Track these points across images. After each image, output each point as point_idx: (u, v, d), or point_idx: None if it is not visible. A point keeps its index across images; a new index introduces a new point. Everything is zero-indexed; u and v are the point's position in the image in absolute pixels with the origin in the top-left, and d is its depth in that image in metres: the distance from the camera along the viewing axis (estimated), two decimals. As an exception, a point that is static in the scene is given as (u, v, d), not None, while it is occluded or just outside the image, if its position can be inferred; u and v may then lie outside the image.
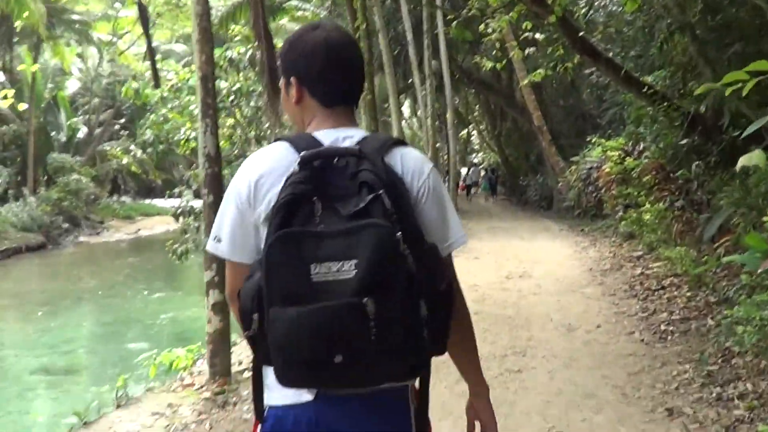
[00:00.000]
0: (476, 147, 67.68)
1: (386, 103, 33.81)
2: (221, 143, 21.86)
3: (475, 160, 64.61)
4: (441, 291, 2.50)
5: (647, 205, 15.16)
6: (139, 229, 47.08)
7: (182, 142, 22.91)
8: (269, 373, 2.55)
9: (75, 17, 47.20)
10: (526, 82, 18.69)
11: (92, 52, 54.26)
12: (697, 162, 13.27)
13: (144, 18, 42.38)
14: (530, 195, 38.10)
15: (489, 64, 18.51)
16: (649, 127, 17.27)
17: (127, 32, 53.01)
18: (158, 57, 46.97)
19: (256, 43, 15.15)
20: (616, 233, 20.89)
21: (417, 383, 2.69)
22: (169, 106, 23.40)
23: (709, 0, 12.72)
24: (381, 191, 2.40)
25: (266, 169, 2.61)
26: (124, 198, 58.13)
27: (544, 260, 17.78)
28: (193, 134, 22.07)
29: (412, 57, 25.86)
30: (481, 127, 54.60)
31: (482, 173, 52.48)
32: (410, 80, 31.92)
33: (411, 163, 2.68)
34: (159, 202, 53.05)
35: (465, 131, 60.66)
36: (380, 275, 2.29)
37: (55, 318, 20.73)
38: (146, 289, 25.05)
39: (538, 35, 17.66)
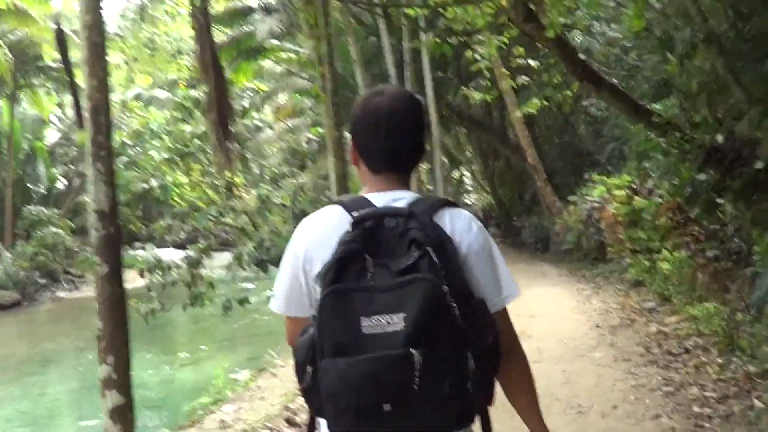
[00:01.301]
0: (469, 188, 65.58)
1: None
2: (192, 191, 20.13)
3: (469, 202, 63.43)
4: (488, 345, 2.63)
5: (665, 252, 12.84)
6: (119, 283, 44.34)
7: (146, 191, 20.90)
8: (323, 426, 2.70)
9: (51, 64, 45.16)
10: (518, 114, 16.54)
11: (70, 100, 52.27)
12: (729, 202, 10.96)
13: (62, 44, 40.01)
14: (525, 237, 35.83)
15: (477, 96, 16.38)
16: (660, 161, 15.10)
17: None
18: (141, 104, 45.08)
19: (202, 75, 13.04)
20: (621, 280, 18.70)
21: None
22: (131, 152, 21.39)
23: (741, 5, 10.49)
24: (428, 248, 2.54)
25: (320, 233, 2.80)
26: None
27: (543, 314, 15.51)
28: (154, 182, 20.26)
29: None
30: (473, 167, 52.59)
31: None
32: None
33: (459, 222, 2.82)
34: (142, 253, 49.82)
35: (457, 172, 58.63)
36: (427, 327, 2.41)
37: (18, 386, 19.02)
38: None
39: (531, 61, 15.48)
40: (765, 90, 9.83)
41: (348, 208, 2.77)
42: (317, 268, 2.71)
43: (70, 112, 52.33)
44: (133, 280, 24.92)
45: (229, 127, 12.12)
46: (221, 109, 12.19)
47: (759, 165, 12.25)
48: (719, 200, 12.30)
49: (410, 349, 2.37)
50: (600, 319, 14.50)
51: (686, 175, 13.52)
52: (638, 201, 15.03)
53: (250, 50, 35.69)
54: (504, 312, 2.92)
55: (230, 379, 14.51)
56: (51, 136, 53.11)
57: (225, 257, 20.09)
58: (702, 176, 13.13)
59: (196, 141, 19.21)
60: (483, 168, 43.91)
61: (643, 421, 8.28)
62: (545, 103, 16.21)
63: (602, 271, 21.33)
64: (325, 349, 2.49)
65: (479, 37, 15.36)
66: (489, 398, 2.72)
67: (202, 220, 18.89)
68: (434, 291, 2.45)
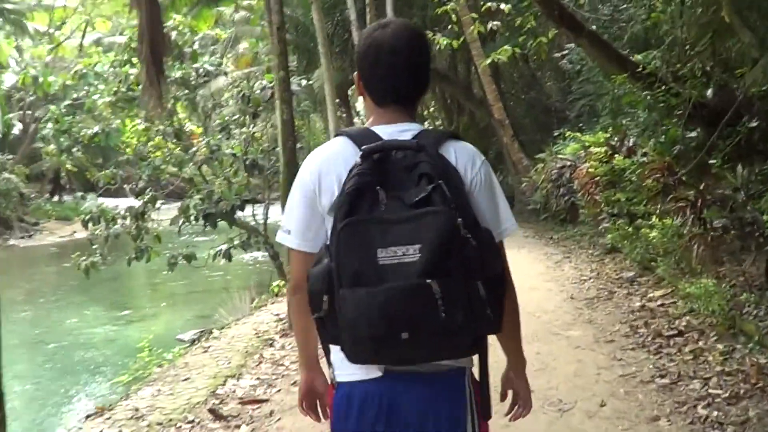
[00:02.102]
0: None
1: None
2: (137, 137, 18.44)
3: None
4: (497, 274, 2.71)
5: (654, 219, 11.20)
6: (74, 232, 42.46)
7: (89, 136, 19.23)
8: (336, 352, 2.81)
9: (8, 6, 42.92)
10: (488, 61, 14.78)
11: (29, 44, 50.05)
12: (744, 166, 9.39)
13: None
14: (490, 194, 33.82)
15: (443, 42, 14.61)
16: (639, 117, 13.50)
17: (64, 23, 48.97)
18: (99, 49, 43.02)
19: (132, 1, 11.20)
20: (594, 244, 17.17)
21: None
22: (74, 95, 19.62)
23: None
24: (440, 181, 2.59)
25: (329, 162, 2.83)
26: (66, 198, 53.79)
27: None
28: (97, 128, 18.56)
29: (356, 40, 21.95)
30: (437, 123, 50.91)
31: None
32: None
33: (464, 155, 2.87)
34: (106, 201, 47.95)
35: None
36: (443, 258, 2.49)
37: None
38: (62, 303, 21.80)
39: (502, 5, 13.73)
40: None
41: (355, 139, 2.82)
42: (328, 199, 2.78)
43: (27, 55, 50.28)
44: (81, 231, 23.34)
45: (163, 65, 10.27)
46: (154, 42, 10.42)
47: (753, 123, 10.80)
48: (712, 161, 10.72)
49: (427, 280, 2.45)
50: (574, 289, 12.99)
51: (674, 132, 12.00)
52: (619, 160, 13.40)
53: (211, -2, 34.06)
54: (501, 244, 2.93)
55: (175, 341, 14.22)
56: (8, 80, 50.86)
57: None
58: (692, 134, 11.57)
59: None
60: (447, 123, 42.21)
61: (638, 424, 6.77)
62: (517, 50, 14.40)
63: (573, 233, 19.91)
64: (343, 279, 2.54)
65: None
66: (498, 326, 2.76)
67: (146, 168, 17.19)
68: (449, 223, 2.52)
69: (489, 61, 14.72)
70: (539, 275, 14.62)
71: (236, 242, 16.85)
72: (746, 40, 8.46)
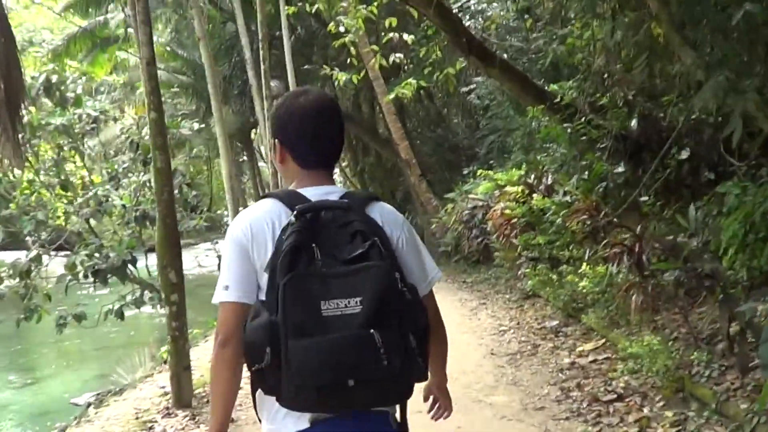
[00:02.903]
0: (339, 185, 62.97)
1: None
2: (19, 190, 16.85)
3: None
4: (423, 326, 2.81)
5: (584, 267, 9.93)
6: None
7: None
8: (268, 407, 2.87)
9: None
10: (391, 96, 13.51)
11: None
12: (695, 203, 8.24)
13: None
14: (398, 236, 32.54)
15: (342, 77, 13.31)
16: (562, 151, 12.36)
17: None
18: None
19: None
20: (510, 288, 15.93)
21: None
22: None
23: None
24: (375, 238, 2.76)
25: (260, 220, 2.91)
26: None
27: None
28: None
29: (252, 82, 20.63)
30: (343, 164, 49.70)
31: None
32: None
33: (388, 215, 3.04)
34: (9, 256, 45.37)
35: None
36: (381, 309, 2.62)
37: None
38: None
39: (405, 36, 12.48)
40: (730, 49, 7.00)
41: (284, 200, 2.93)
42: (262, 256, 2.85)
43: None
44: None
45: (20, 109, 8.83)
46: (9, 83, 8.91)
47: (683, 155, 9.73)
48: (643, 198, 9.58)
49: (370, 329, 2.57)
50: (494, 342, 11.71)
51: (599, 168, 10.81)
52: (537, 199, 12.20)
53: (104, 40, 32.61)
54: (431, 294, 3.21)
55: (69, 405, 13.23)
56: None
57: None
58: (619, 168, 10.43)
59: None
60: (352, 164, 41.09)
61: None
62: (423, 83, 13.13)
63: (487, 276, 18.65)
64: (288, 332, 2.60)
65: (343, 4, 12.40)
66: (426, 373, 2.93)
67: (28, 224, 15.64)
68: (388, 276, 2.68)
69: (392, 96, 13.42)
70: (455, 326, 13.33)
71: (128, 299, 15.43)
72: (688, 61, 7.26)
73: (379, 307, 2.61)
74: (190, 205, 17.94)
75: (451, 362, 9.50)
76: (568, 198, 11.14)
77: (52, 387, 16.68)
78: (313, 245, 2.72)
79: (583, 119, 11.38)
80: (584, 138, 11.28)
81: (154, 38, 29.61)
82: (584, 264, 9.93)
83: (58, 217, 16.51)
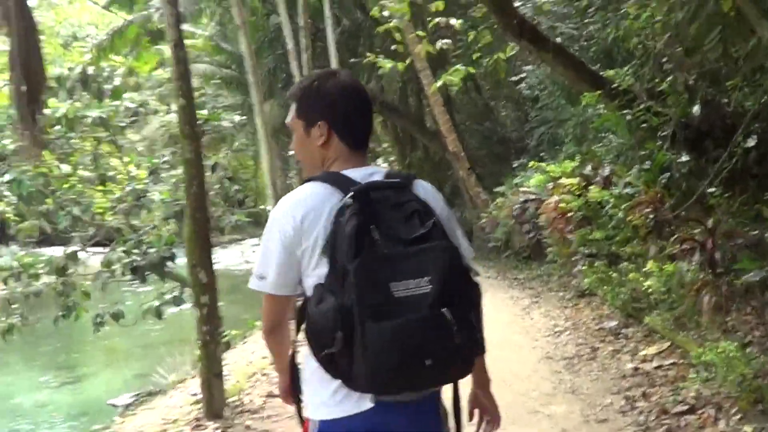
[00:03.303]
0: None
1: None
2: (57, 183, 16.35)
3: None
4: (479, 300, 2.99)
5: (650, 265, 9.08)
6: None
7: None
8: (321, 390, 2.86)
9: None
10: (438, 84, 12.76)
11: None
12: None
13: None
14: (447, 231, 31.81)
15: (387, 65, 12.59)
16: (619, 141, 11.58)
17: None
18: None
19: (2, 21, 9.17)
20: (564, 285, 15.14)
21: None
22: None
23: None
24: (434, 218, 2.79)
25: (308, 205, 2.85)
26: (14, 247, 50.85)
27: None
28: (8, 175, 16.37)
29: (295, 74, 19.90)
30: (391, 158, 49.05)
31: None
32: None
33: (430, 192, 3.04)
34: (54, 251, 45.16)
35: (375, 163, 55.09)
36: (449, 288, 2.65)
37: None
38: None
39: (453, 20, 11.72)
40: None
41: (332, 183, 2.87)
42: (313, 241, 2.80)
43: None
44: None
45: (40, 99, 8.25)
46: (29, 70, 8.36)
47: (750, 142, 8.94)
48: (710, 189, 8.81)
49: (441, 309, 2.60)
50: (549, 344, 10.97)
51: (661, 157, 9.99)
52: (594, 192, 11.37)
53: (149, 34, 32.19)
54: None
55: (107, 407, 12.93)
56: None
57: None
58: (683, 158, 9.65)
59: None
60: (399, 158, 40.41)
61: None
62: (471, 71, 12.35)
63: (539, 273, 17.85)
64: (364, 314, 2.58)
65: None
66: (484, 348, 3.07)
67: (63, 219, 15.21)
68: (455, 256, 2.72)
69: (439, 84, 12.65)
70: (506, 326, 12.61)
71: (167, 297, 14.85)
72: (766, 34, 6.47)
73: (448, 286, 2.64)
74: (234, 200, 17.43)
75: (503, 366, 8.75)
76: (628, 190, 10.33)
77: (91, 386, 16.39)
78: (372, 226, 2.69)
79: (641, 106, 10.61)
80: (644, 126, 10.49)
81: (199, 32, 29.24)
82: (650, 262, 9.08)
83: (98, 213, 16.02)
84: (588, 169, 12.65)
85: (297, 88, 3.20)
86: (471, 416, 3.40)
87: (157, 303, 14.72)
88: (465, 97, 31.00)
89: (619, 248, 10.90)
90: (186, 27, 31.01)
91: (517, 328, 12.36)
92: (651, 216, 9.10)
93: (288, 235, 2.85)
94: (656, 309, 9.91)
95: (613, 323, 11.08)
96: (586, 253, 12.14)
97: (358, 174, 2.92)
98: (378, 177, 2.93)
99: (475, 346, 2.85)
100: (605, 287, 11.36)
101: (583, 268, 12.05)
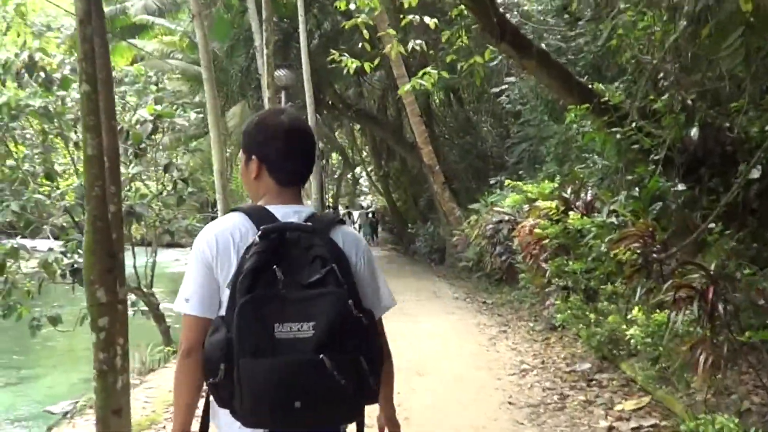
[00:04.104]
0: (365, 189, 61.22)
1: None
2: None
3: (364, 204, 59.64)
4: (377, 349, 2.96)
5: (636, 312, 7.68)
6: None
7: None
8: (225, 419, 2.89)
9: None
10: (407, 87, 11.40)
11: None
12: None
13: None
14: (420, 246, 31.03)
15: (352, 65, 11.23)
16: (606, 162, 10.29)
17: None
18: None
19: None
20: (535, 316, 13.83)
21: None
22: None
23: None
24: (333, 265, 2.77)
25: (226, 236, 2.93)
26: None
27: (433, 369, 10.53)
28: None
29: (261, 71, 18.46)
30: (369, 168, 47.80)
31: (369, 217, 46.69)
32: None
33: (350, 240, 3.07)
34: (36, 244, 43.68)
35: (353, 172, 53.71)
36: (334, 335, 2.67)
37: None
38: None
39: (426, 19, 10.34)
40: None
41: (252, 217, 2.97)
42: (225, 271, 2.88)
43: None
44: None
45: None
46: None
47: (754, 174, 7.72)
48: (711, 225, 7.52)
49: (320, 355, 2.62)
50: (513, 385, 9.65)
51: (654, 184, 8.69)
52: (574, 218, 9.99)
53: (126, 29, 30.96)
54: (379, 320, 3.16)
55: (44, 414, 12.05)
56: None
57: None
58: (680, 186, 8.35)
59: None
60: (376, 168, 39.29)
61: None
62: (444, 75, 10.96)
63: (510, 299, 16.54)
64: (243, 350, 2.66)
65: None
66: (377, 396, 2.97)
67: (1, 213, 13.93)
68: (342, 303, 2.72)
69: (409, 88, 11.28)
70: (470, 358, 11.31)
71: None
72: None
73: (332, 333, 2.66)
74: (186, 203, 16.19)
75: (458, 410, 7.34)
76: (614, 219, 8.96)
77: (34, 389, 15.29)
78: (275, 267, 2.73)
79: (633, 125, 9.32)
80: (634, 147, 9.19)
81: (174, 26, 27.86)
82: (636, 308, 7.68)
83: (46, 205, 14.70)
84: (568, 192, 11.30)
85: (246, 123, 3.26)
86: (380, 431, 3.47)
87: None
88: (446, 109, 30.05)
89: (598, 285, 9.57)
90: (162, 22, 29.90)
91: (481, 361, 11.05)
92: (639, 252, 7.72)
93: (207, 262, 2.92)
94: (635, 356, 8.58)
95: (586, 366, 9.78)
96: (560, 285, 10.77)
97: (281, 211, 3.01)
98: (297, 218, 2.99)
99: (364, 392, 2.82)
100: (580, 325, 10.01)
101: (557, 302, 10.69)
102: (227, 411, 2.83)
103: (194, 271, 2.96)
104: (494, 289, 18.60)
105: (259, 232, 2.81)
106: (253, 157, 3.10)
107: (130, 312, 14.47)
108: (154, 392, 9.74)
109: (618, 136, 9.24)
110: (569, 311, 10.24)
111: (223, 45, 27.07)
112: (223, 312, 2.84)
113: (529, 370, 10.28)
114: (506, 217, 15.34)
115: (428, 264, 28.86)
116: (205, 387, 2.95)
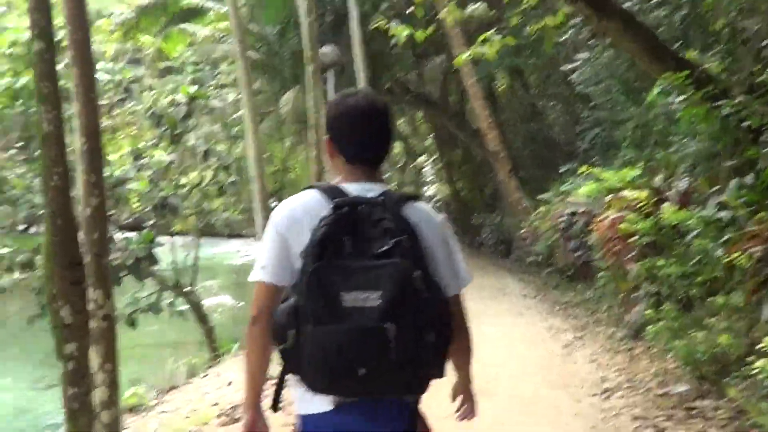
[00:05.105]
0: (430, 179, 59.81)
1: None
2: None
3: (429, 194, 58.23)
4: (444, 323, 2.93)
5: (765, 342, 5.88)
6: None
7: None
8: (296, 386, 2.98)
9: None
10: (466, 55, 9.79)
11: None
12: None
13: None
14: (485, 237, 29.42)
15: (402, 32, 9.67)
16: (709, 143, 8.56)
17: None
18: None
19: None
20: (615, 319, 12.11)
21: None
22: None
23: None
24: (402, 237, 2.82)
25: (300, 211, 3.03)
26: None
27: (498, 386, 8.82)
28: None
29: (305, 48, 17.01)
30: (433, 157, 46.25)
31: (432, 207, 44.08)
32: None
33: (423, 215, 3.07)
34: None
35: (416, 162, 52.23)
36: (399, 305, 2.72)
37: None
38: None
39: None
40: None
41: (325, 193, 3.02)
42: (298, 244, 2.93)
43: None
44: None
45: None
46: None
47: None
48: None
49: (384, 323, 2.68)
50: (595, 409, 8.04)
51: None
52: (669, 211, 8.20)
53: (180, 14, 29.82)
54: (457, 296, 3.14)
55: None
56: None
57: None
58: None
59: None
60: (439, 157, 37.90)
61: None
62: (509, 41, 9.27)
63: (585, 298, 14.74)
64: (308, 317, 2.77)
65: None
66: (442, 371, 2.98)
67: (24, 207, 13.67)
68: (407, 274, 2.74)
69: (467, 56, 9.66)
70: (541, 371, 9.70)
71: (142, 304, 12.92)
72: None
73: (396, 303, 2.70)
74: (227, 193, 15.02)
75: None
76: (724, 213, 7.16)
77: None
78: (345, 238, 2.81)
79: (735, 101, 7.60)
80: (745, 124, 7.45)
81: (223, 10, 26.53)
82: (765, 337, 5.88)
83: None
84: (658, 180, 9.52)
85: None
86: (453, 399, 3.47)
87: (130, 310, 12.64)
88: (510, 94, 28.58)
89: (703, 293, 7.80)
90: (214, 5, 28.70)
91: (555, 376, 9.40)
92: (759, 257, 5.96)
93: (281, 234, 3.02)
94: (739, 378, 6.86)
95: (683, 388, 8.02)
96: (651, 290, 9.00)
97: (354, 188, 3.06)
98: (373, 194, 3.01)
99: (426, 364, 2.85)
100: (676, 342, 8.22)
101: (647, 312, 8.91)
102: (299, 378, 2.88)
103: (269, 242, 3.07)
104: (567, 286, 16.85)
105: (331, 205, 2.89)
106: (329, 137, 3.19)
107: (165, 314, 13.44)
108: (169, 417, 8.28)
109: (725, 110, 7.50)
110: (661, 323, 8.47)
111: (274, 28, 25.75)
112: (294, 281, 2.91)
113: (614, 390, 8.58)
114: (581, 209, 13.69)
115: (494, 256, 27.23)
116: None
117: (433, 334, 2.80)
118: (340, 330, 2.72)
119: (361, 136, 3.13)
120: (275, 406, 3.09)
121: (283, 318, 2.86)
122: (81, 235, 5.18)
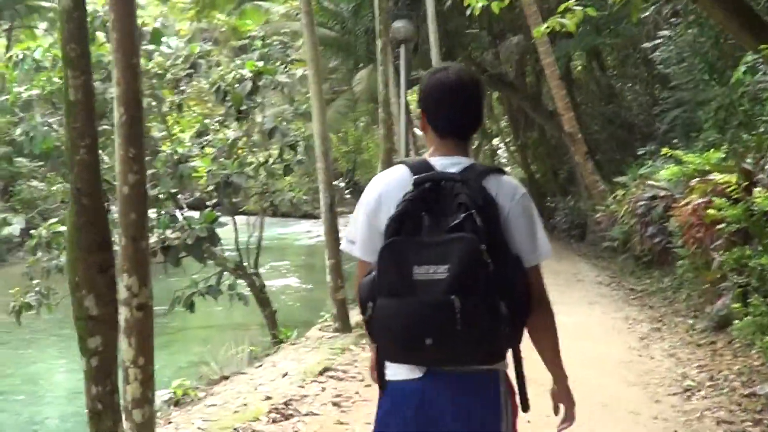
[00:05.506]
0: (504, 161, 58.90)
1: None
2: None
3: None
4: (519, 294, 2.93)
5: None
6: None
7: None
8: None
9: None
10: (544, 27, 9.16)
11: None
12: None
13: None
14: (558, 221, 28.58)
15: (477, 3, 9.10)
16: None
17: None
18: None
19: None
20: (694, 309, 11.39)
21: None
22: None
23: None
24: (473, 211, 2.85)
25: (388, 188, 3.13)
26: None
27: (572, 383, 8.14)
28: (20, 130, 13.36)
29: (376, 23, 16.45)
30: (507, 139, 45.46)
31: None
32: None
33: (503, 188, 3.07)
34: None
35: (491, 143, 51.41)
36: (466, 278, 2.76)
37: None
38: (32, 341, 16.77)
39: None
40: None
41: (413, 169, 3.09)
42: (383, 219, 3.01)
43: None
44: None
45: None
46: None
47: None
48: None
49: (451, 296, 2.73)
50: (676, 411, 7.44)
51: None
52: (761, 195, 7.46)
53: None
54: (536, 268, 3.11)
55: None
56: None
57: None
58: None
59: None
60: (513, 138, 37.21)
61: None
62: (591, 12, 8.61)
63: (663, 286, 14.01)
64: (381, 289, 2.88)
65: None
66: (517, 340, 2.99)
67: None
68: (474, 249, 2.77)
69: (546, 27, 9.02)
70: (617, 367, 9.07)
71: (201, 286, 12.40)
72: None
73: (463, 276, 2.73)
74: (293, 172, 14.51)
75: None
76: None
77: None
78: (423, 213, 2.89)
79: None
80: None
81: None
82: None
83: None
84: (749, 163, 8.78)
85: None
86: (556, 411, 3.37)
87: (189, 292, 12.31)
88: (588, 76, 28.01)
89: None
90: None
91: (632, 373, 8.76)
92: None
93: (370, 208, 3.13)
94: None
95: (778, 387, 7.35)
96: (738, 282, 8.28)
97: (440, 162, 3.10)
98: (456, 168, 3.04)
99: (494, 337, 2.85)
100: (766, 338, 7.51)
101: (735, 306, 8.17)
102: (377, 347, 3.03)
103: (359, 217, 3.20)
104: (642, 273, 16.14)
105: (413, 181, 2.98)
106: (421, 112, 3.25)
107: (224, 297, 13.01)
108: (216, 412, 7.78)
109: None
110: (749, 318, 7.75)
111: (348, 5, 25.32)
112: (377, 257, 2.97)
113: (695, 390, 7.92)
114: (662, 193, 12.97)
115: (568, 241, 26.48)
116: None
117: (504, 306, 2.83)
118: (408, 302, 2.81)
119: (448, 110, 3.17)
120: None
121: (364, 290, 2.99)
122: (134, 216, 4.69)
